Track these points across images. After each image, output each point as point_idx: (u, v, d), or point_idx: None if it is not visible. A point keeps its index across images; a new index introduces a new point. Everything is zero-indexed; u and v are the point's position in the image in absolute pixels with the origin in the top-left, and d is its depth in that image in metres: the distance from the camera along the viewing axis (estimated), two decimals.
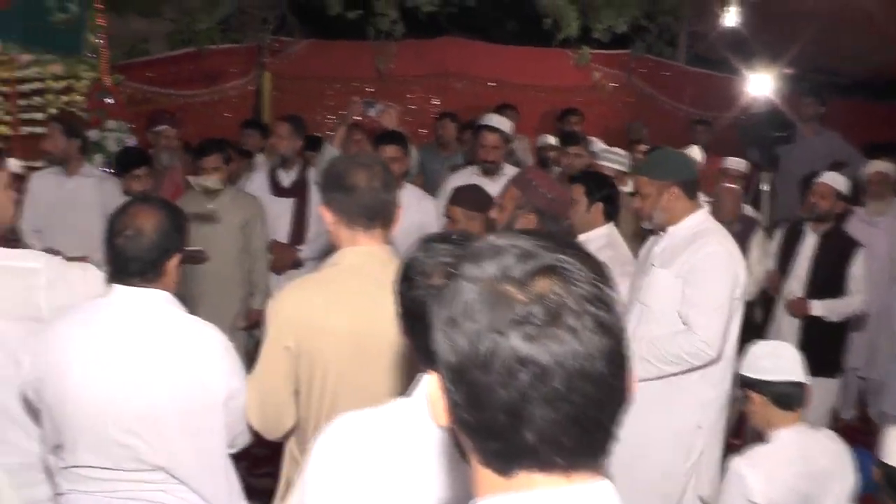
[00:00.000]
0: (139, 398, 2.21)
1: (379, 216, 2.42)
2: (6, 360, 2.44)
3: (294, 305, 2.36)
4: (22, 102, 6.20)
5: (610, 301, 0.97)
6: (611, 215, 4.04)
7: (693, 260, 3.33)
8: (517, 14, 9.55)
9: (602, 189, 4.02)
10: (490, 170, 5.01)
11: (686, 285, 3.31)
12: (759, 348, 3.04)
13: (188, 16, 8.36)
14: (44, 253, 2.62)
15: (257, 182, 5.48)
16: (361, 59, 9.13)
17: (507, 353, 0.92)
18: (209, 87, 8.55)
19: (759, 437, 3.06)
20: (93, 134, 5.94)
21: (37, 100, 6.15)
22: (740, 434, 4.53)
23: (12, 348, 2.43)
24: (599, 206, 3.95)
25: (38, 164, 5.86)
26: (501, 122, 5.25)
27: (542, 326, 0.92)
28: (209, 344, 2.33)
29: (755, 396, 2.93)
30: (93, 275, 2.63)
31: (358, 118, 5.72)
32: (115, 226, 2.27)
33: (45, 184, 5.17)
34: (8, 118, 6.25)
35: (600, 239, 3.92)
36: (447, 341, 0.98)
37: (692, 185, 3.49)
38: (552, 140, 6.72)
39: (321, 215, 2.50)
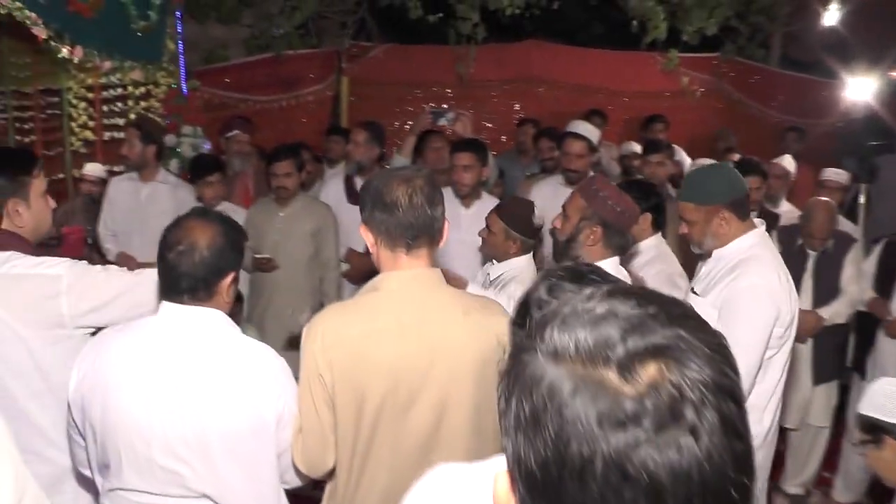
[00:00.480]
0: (185, 422, 2.11)
1: (423, 235, 2.20)
2: (33, 371, 2.44)
3: (329, 332, 2.16)
4: (104, 108, 6.29)
5: (735, 390, 0.76)
6: (659, 225, 3.84)
7: (729, 292, 3.03)
8: (603, 17, 9.28)
9: (650, 198, 3.77)
10: (574, 179, 4.76)
11: (720, 319, 3.00)
12: (890, 386, 2.60)
13: (267, 21, 8.35)
14: (66, 259, 2.57)
15: (333, 189, 5.37)
16: (441, 63, 8.96)
17: (607, 464, 0.71)
18: (287, 92, 8.51)
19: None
20: (169, 139, 5.96)
21: (118, 105, 6.22)
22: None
23: (38, 358, 2.43)
24: (647, 216, 3.70)
25: (119, 168, 5.92)
26: (587, 130, 4.98)
27: (655, 429, 0.71)
28: (262, 366, 2.21)
29: (893, 443, 2.51)
30: (126, 279, 2.58)
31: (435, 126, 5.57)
32: (169, 239, 2.17)
33: (122, 189, 5.18)
34: (91, 123, 6.36)
35: (649, 251, 3.72)
36: (524, 441, 0.76)
37: (742, 203, 3.16)
38: (637, 148, 6.44)
39: (364, 236, 2.29)
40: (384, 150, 5.44)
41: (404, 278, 2.20)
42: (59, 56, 5.11)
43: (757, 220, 3.26)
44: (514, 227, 3.54)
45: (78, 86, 6.39)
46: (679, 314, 0.79)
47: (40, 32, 4.81)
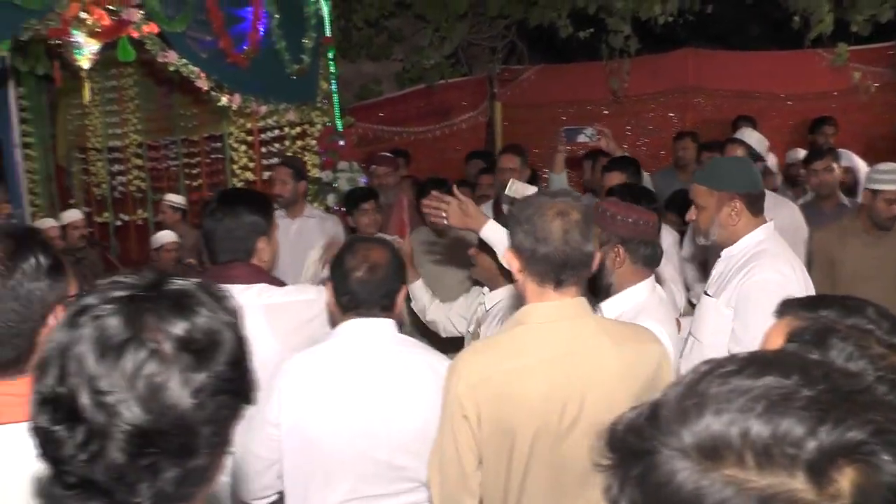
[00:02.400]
0: (409, 418, 2.31)
1: (574, 273, 2.12)
2: None
3: (475, 372, 2.10)
4: (262, 149, 6.59)
5: None
6: None
7: (742, 289, 2.88)
8: (760, 16, 8.77)
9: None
10: None
11: (735, 317, 2.88)
12: None
13: (417, 54, 8.49)
14: (310, 285, 2.94)
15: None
16: (595, 80, 8.79)
17: None
18: (440, 121, 8.62)
19: None
20: (325, 175, 6.15)
21: (275, 146, 6.49)
22: None
23: None
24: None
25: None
26: (754, 137, 4.70)
27: None
28: (441, 363, 2.39)
29: None
30: None
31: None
32: (349, 263, 2.41)
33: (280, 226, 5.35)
34: (251, 164, 6.68)
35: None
36: None
37: (757, 199, 3.03)
38: (803, 154, 6.02)
39: (509, 260, 2.22)
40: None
41: (550, 310, 2.14)
42: (220, 104, 5.46)
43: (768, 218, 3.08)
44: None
45: (238, 130, 6.76)
46: (850, 389, 0.62)
47: (203, 84, 5.16)
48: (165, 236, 6.09)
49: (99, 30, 4.41)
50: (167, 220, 6.52)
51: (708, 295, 3.07)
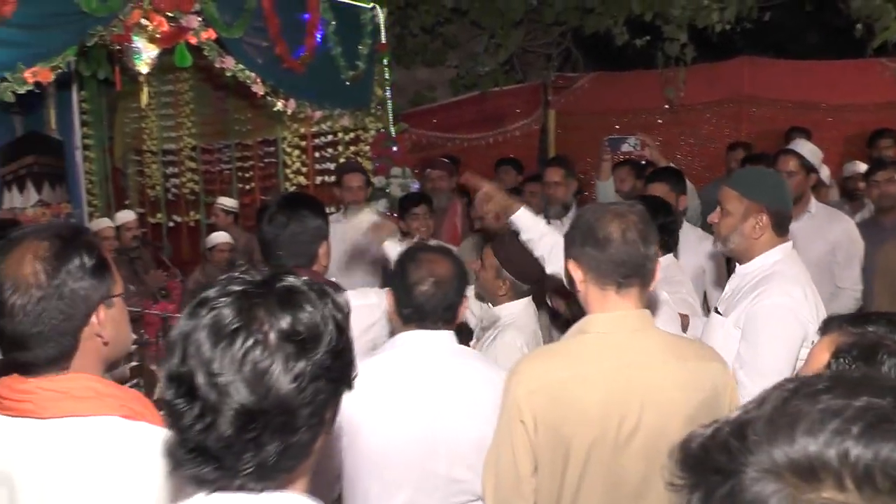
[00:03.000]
0: (468, 430, 2.30)
1: (635, 274, 2.13)
2: None
3: (535, 377, 2.12)
4: (315, 154, 6.64)
5: None
6: (668, 246, 3.66)
7: (751, 311, 2.80)
8: (820, 24, 8.58)
9: (657, 216, 3.45)
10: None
11: (742, 339, 2.79)
12: None
13: (471, 60, 8.48)
14: (373, 288, 2.98)
15: None
16: (650, 89, 8.65)
17: None
18: (493, 129, 8.58)
19: None
20: (378, 181, 6.17)
21: (328, 151, 6.53)
22: None
23: None
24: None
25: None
26: (808, 149, 4.57)
27: None
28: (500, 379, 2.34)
29: None
30: None
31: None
32: (413, 276, 2.38)
33: (333, 231, 5.37)
34: (304, 169, 6.73)
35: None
36: None
37: (785, 220, 2.92)
38: (862, 168, 5.86)
39: (571, 272, 2.23)
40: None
41: (612, 320, 2.14)
42: (275, 109, 5.49)
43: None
44: (507, 266, 3.29)
45: (292, 135, 6.82)
46: None
47: (258, 89, 5.20)
48: (219, 237, 6.15)
49: (158, 36, 4.50)
50: (219, 223, 6.58)
51: (718, 312, 3.01)
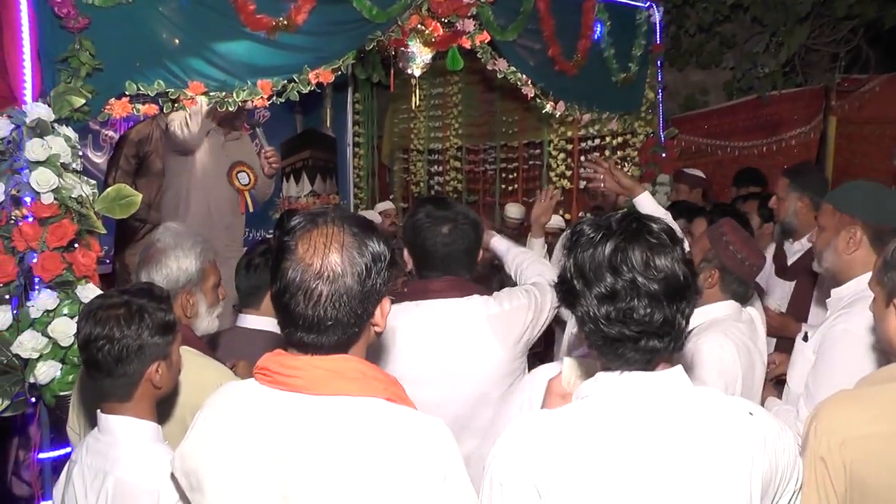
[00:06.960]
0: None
1: None
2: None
3: (839, 429, 1.78)
4: (581, 158, 6.52)
5: None
6: None
7: (826, 335, 2.60)
8: None
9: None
10: None
11: (814, 366, 2.61)
12: None
13: (749, 62, 7.93)
14: (515, 289, 2.88)
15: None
16: None
17: None
18: (767, 136, 7.98)
19: None
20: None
21: (595, 155, 6.38)
22: None
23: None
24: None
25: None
26: None
27: None
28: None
29: None
30: None
31: None
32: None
33: None
34: (568, 173, 6.66)
35: None
36: None
37: (883, 234, 2.58)
38: None
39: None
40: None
41: None
42: (544, 112, 5.44)
43: None
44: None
45: (558, 138, 6.75)
46: None
47: (529, 91, 5.19)
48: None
49: (434, 40, 4.59)
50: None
51: (805, 340, 2.78)
